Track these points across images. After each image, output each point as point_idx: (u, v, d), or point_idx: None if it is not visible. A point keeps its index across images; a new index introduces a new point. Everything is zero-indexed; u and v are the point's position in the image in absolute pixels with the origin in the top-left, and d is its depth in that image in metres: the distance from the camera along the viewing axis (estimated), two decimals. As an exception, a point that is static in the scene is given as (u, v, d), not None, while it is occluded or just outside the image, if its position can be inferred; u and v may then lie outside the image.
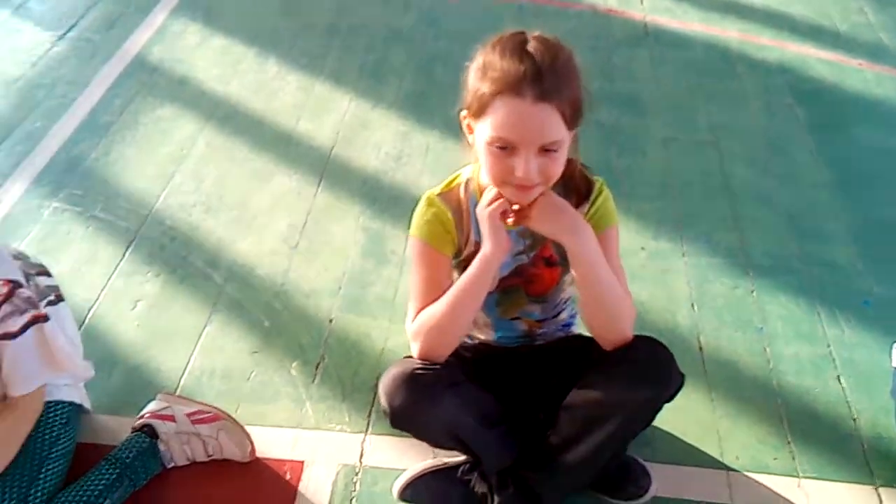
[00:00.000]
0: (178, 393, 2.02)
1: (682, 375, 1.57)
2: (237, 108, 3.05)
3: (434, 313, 1.58)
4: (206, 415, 1.86)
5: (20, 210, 2.57)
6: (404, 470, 1.81)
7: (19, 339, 1.59)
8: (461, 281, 1.57)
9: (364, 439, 1.92)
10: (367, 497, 1.80)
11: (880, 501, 1.79)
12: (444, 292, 1.59)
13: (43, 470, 1.69)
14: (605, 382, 1.55)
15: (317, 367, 2.10)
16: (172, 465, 1.83)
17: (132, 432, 1.85)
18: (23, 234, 2.48)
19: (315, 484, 1.83)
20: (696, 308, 2.23)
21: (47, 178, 2.70)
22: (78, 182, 2.68)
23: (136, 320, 2.21)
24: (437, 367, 1.57)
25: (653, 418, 1.61)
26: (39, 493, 1.66)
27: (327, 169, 2.76)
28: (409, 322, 1.65)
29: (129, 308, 2.25)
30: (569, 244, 1.55)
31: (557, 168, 1.48)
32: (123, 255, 2.41)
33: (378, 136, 2.93)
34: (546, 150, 1.44)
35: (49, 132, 2.91)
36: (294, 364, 2.11)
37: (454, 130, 2.91)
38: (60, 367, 1.69)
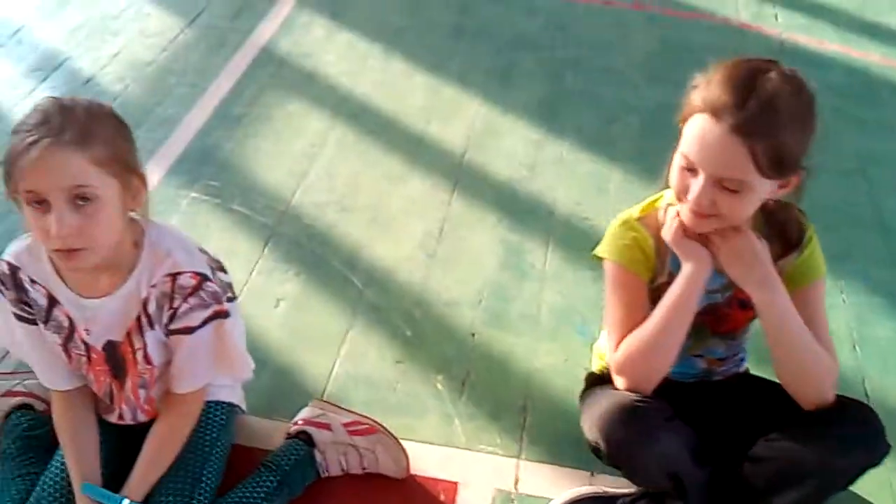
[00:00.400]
0: (324, 398, 2.00)
1: (889, 445, 1.48)
2: (366, 107, 3.02)
3: (641, 340, 1.51)
4: (363, 426, 1.82)
5: (159, 199, 2.56)
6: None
7: (196, 333, 1.56)
8: (666, 303, 1.50)
9: (517, 464, 1.88)
10: (526, 527, 1.76)
11: None
12: (644, 318, 1.52)
13: (205, 471, 1.67)
14: (809, 442, 1.47)
15: (463, 384, 2.06)
16: (326, 474, 1.80)
17: (287, 438, 1.83)
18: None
19: (470, 508, 1.79)
20: (858, 350, 2.14)
21: (184, 167, 2.70)
22: (214, 173, 2.68)
23: (279, 320, 2.19)
24: (652, 399, 1.50)
25: (850, 484, 1.53)
26: (202, 495, 1.64)
27: (460, 175, 2.72)
28: (609, 352, 1.59)
29: (272, 307, 2.23)
30: (755, 297, 1.48)
31: (736, 208, 1.41)
32: (262, 251, 2.40)
33: (509, 144, 2.87)
34: (724, 186, 1.37)
35: (183, 120, 2.91)
36: (439, 378, 2.07)
37: (587, 142, 2.92)
38: (229, 367, 1.66)
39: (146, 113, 2.93)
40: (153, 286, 1.53)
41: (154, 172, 2.67)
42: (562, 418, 1.97)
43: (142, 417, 1.71)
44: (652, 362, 1.52)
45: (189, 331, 1.56)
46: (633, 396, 1.52)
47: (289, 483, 1.73)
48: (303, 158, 2.76)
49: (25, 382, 1.88)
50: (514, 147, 2.86)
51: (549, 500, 1.79)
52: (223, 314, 1.57)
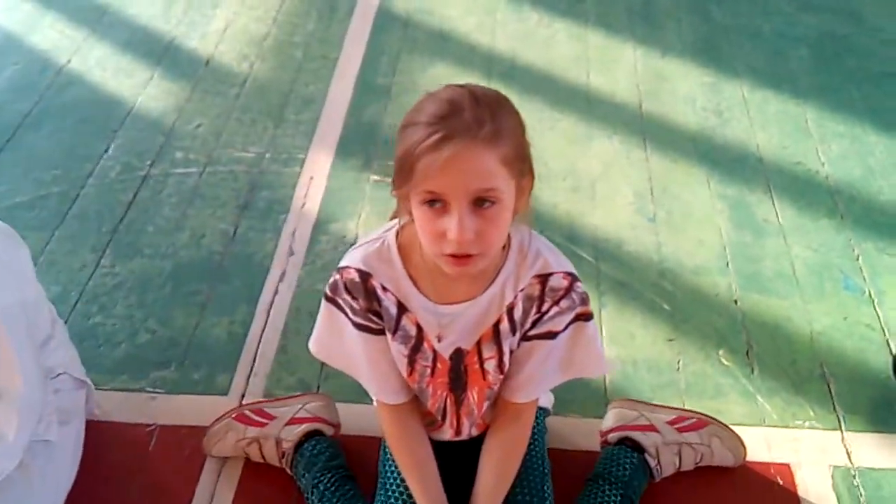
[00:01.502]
0: (606, 388, 1.85)
1: None
2: (514, 63, 2.81)
3: None
4: (691, 421, 1.68)
5: (338, 185, 2.36)
6: (901, 471, 1.65)
7: (558, 338, 1.39)
8: None
9: (843, 437, 1.75)
10: (878, 502, 1.63)
11: None
12: None
13: (545, 485, 1.53)
14: None
15: (748, 355, 1.91)
16: (661, 477, 1.66)
17: (605, 445, 1.68)
18: (353, 211, 2.28)
19: (815, 489, 1.66)
20: None
21: (350, 149, 2.49)
22: (385, 152, 2.46)
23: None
24: None
25: None
26: (549, 490, 1.51)
27: (646, 128, 2.53)
28: None
29: (513, 293, 2.05)
30: None
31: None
32: (474, 233, 2.21)
33: (685, 89, 2.69)
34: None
35: (328, 96, 2.69)
36: (721, 352, 1.92)
37: (765, 79, 2.74)
38: (578, 371, 1.48)
39: (285, 93, 2.70)
40: (521, 290, 1.35)
41: (321, 157, 2.46)
42: (869, 383, 1.85)
43: (474, 432, 1.55)
44: None
45: (552, 336, 1.39)
46: None
47: (630, 495, 1.59)
48: (474, 126, 2.55)
49: (307, 406, 1.71)
50: (691, 91, 2.67)
51: (891, 470, 1.67)
52: (586, 316, 1.40)
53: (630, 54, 2.84)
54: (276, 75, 2.78)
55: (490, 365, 1.42)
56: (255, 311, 2.02)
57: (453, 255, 1.20)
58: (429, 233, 1.21)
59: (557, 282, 1.35)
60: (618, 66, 2.78)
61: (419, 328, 1.38)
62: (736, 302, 2.03)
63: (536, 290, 1.36)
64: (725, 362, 1.90)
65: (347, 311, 1.38)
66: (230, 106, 2.65)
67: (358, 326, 1.39)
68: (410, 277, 1.35)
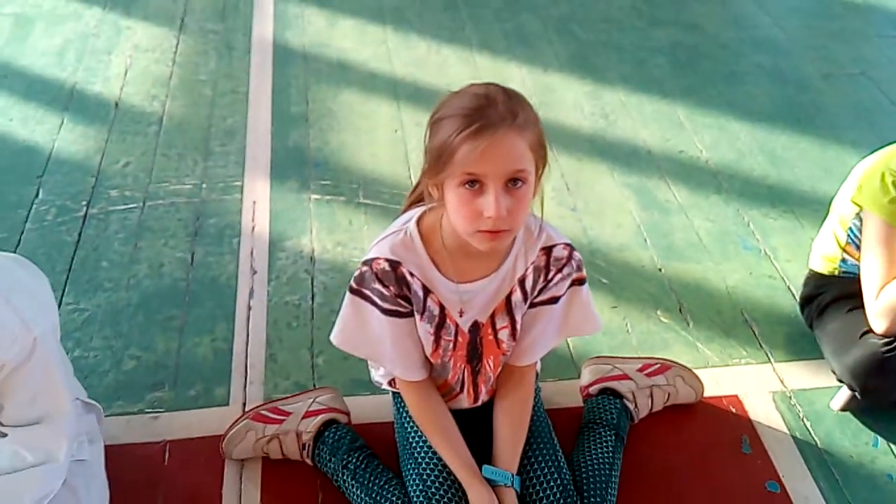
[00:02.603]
0: (572, 353, 2.08)
1: None
2: (418, 86, 3.03)
3: None
4: (655, 366, 1.94)
5: (282, 207, 2.48)
6: (825, 388, 1.99)
7: (559, 302, 1.61)
8: None
9: (773, 367, 2.07)
10: (815, 416, 1.96)
11: None
12: None
13: (553, 435, 1.73)
14: None
15: (680, 312, 2.21)
16: (639, 418, 1.90)
17: (588, 398, 1.91)
18: (304, 227, 2.41)
19: (763, 412, 1.96)
20: None
21: (284, 173, 2.61)
22: (319, 172, 2.61)
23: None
24: None
25: None
26: (562, 457, 1.70)
27: (547, 133, 2.80)
28: (870, 300, 1.82)
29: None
30: None
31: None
32: (420, 237, 2.40)
33: (570, 98, 3.01)
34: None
35: (247, 127, 2.80)
36: (658, 312, 2.21)
37: (636, 84, 3.11)
38: (575, 330, 1.70)
39: (205, 127, 2.79)
40: (532, 263, 1.56)
41: (258, 183, 2.57)
42: (783, 322, 2.18)
43: (485, 398, 1.73)
44: None
45: (554, 300, 1.60)
46: (881, 346, 1.79)
47: (621, 435, 1.83)
48: (395, 143, 2.75)
49: (318, 399, 1.83)
50: (577, 100, 3.00)
51: (819, 389, 2.00)
52: (582, 281, 1.62)
53: (517, 72, 3.15)
54: (192, 111, 2.86)
55: (504, 334, 1.62)
56: (233, 328, 2.11)
57: (488, 231, 1.38)
58: (465, 213, 1.38)
59: (560, 252, 1.57)
60: (509, 82, 2.96)
61: (441, 307, 1.55)
62: (660, 270, 2.34)
63: (543, 262, 1.57)
64: (664, 320, 2.19)
65: (376, 299, 1.53)
66: (153, 143, 2.70)
67: (386, 312, 1.54)
68: (433, 262, 1.52)
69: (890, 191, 1.79)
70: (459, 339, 1.60)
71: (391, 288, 1.52)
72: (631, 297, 2.25)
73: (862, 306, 1.86)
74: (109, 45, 3.17)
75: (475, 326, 1.60)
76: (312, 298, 2.20)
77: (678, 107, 2.99)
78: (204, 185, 2.55)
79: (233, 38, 3.26)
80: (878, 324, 1.81)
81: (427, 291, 1.54)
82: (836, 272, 2.00)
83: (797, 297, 2.17)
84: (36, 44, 3.16)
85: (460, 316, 1.57)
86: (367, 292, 1.54)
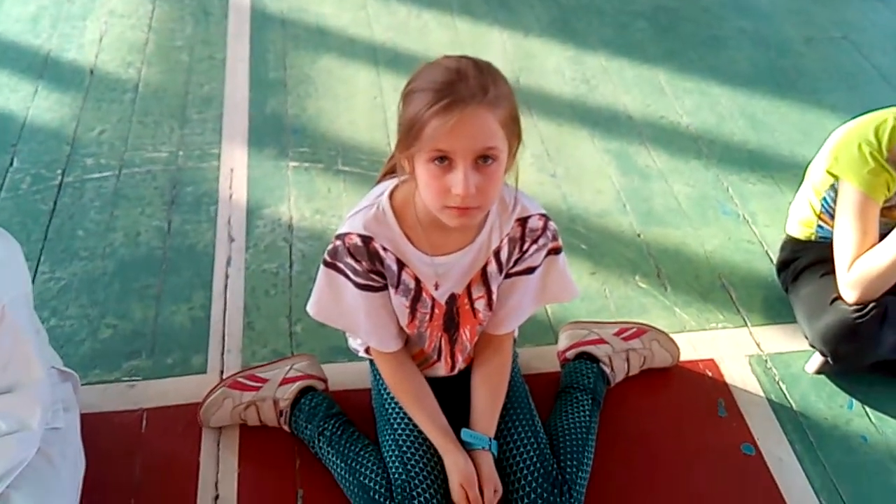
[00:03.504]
0: (550, 319, 2.09)
1: None
2: (397, 51, 3.00)
3: (877, 264, 1.76)
4: (632, 330, 1.95)
5: (261, 173, 2.46)
6: (800, 351, 2.00)
7: (536, 272, 1.61)
8: None
9: (749, 331, 2.08)
10: (790, 379, 1.97)
11: None
12: (874, 240, 1.78)
13: (529, 399, 1.74)
14: None
15: (658, 277, 2.21)
16: (616, 381, 1.91)
17: (565, 363, 1.92)
18: (282, 195, 2.39)
19: (739, 376, 1.97)
20: None
21: (262, 140, 2.59)
22: (298, 140, 2.59)
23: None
24: (872, 309, 1.77)
25: None
26: (538, 421, 1.71)
27: (527, 99, 2.79)
28: (842, 271, 1.82)
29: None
30: None
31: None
32: (399, 204, 2.39)
33: (552, 63, 2.99)
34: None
35: (224, 94, 2.77)
36: (636, 277, 2.21)
37: (618, 49, 3.09)
38: (553, 298, 1.70)
39: (181, 94, 2.76)
40: (506, 235, 1.55)
41: (236, 150, 2.55)
42: (760, 286, 2.19)
43: (462, 366, 1.73)
44: (883, 285, 1.78)
45: (531, 271, 1.60)
46: (851, 313, 1.80)
47: (597, 399, 1.83)
48: (374, 110, 2.73)
49: (296, 366, 1.83)
50: (559, 65, 2.98)
51: (793, 353, 2.02)
52: (558, 250, 1.62)
53: (497, 37, 3.11)
54: (168, 78, 2.82)
55: (480, 304, 1.61)
56: (211, 296, 2.10)
57: (456, 208, 1.36)
58: (434, 188, 1.36)
59: (534, 223, 1.56)
60: (490, 48, 3.04)
61: (417, 280, 1.55)
62: (639, 235, 2.33)
63: (518, 233, 1.56)
64: (642, 285, 2.19)
65: (349, 273, 1.52)
66: (128, 111, 2.67)
67: (359, 286, 1.53)
68: (406, 236, 1.51)
69: (868, 161, 1.79)
70: (436, 310, 1.60)
71: (363, 263, 1.51)
72: (610, 263, 2.25)
73: (835, 272, 1.86)
74: (84, 11, 3.12)
75: (451, 298, 1.59)
76: (290, 266, 2.19)
77: (659, 71, 2.97)
78: (180, 153, 2.52)
79: (209, 3, 3.21)
80: (850, 294, 1.82)
81: (401, 265, 1.53)
82: (813, 237, 2.00)
83: (774, 262, 2.18)
84: (9, 10, 3.11)
85: (436, 289, 1.57)
86: (341, 265, 1.53)
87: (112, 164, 2.47)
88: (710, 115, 2.78)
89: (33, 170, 2.43)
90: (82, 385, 1.85)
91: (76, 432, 1.68)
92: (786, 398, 1.93)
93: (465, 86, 1.31)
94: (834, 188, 1.89)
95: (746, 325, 2.10)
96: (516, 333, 1.86)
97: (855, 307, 1.80)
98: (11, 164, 2.45)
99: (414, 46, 3.03)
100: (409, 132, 1.35)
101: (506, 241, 1.56)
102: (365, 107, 2.74)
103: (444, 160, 1.34)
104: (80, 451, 1.66)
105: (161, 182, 2.42)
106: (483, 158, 1.34)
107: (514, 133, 1.39)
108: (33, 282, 2.09)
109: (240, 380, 1.81)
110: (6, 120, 2.61)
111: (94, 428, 1.77)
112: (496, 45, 3.05)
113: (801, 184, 2.07)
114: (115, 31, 3.03)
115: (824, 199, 1.93)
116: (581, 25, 3.20)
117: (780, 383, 1.96)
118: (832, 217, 1.90)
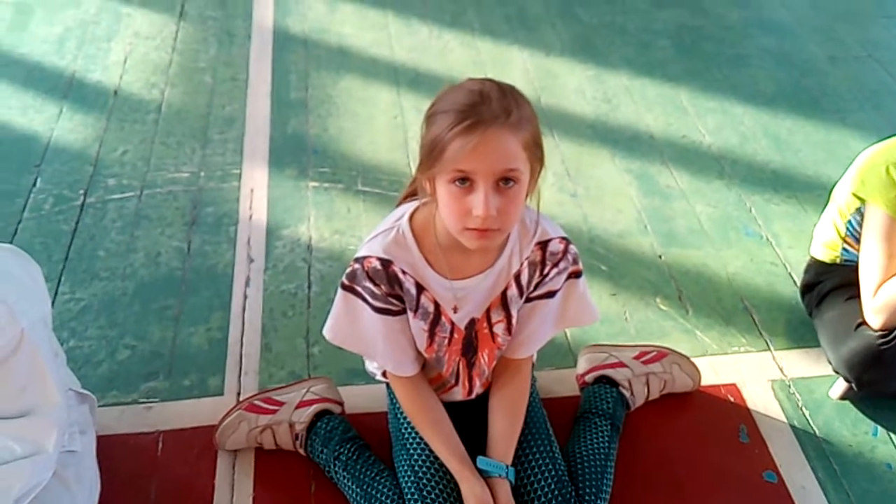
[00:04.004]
0: (570, 342, 2.06)
1: None
2: (418, 71, 3.01)
3: None
4: (652, 353, 1.92)
5: (280, 195, 2.47)
6: (824, 376, 1.96)
7: (556, 296, 1.59)
8: None
9: (773, 355, 2.05)
10: (814, 404, 1.94)
11: None
12: None
13: (548, 424, 1.72)
14: None
15: (680, 299, 2.19)
16: (635, 406, 1.89)
17: (584, 386, 1.89)
18: (302, 215, 2.39)
19: (761, 401, 1.94)
20: None
21: (282, 160, 2.60)
22: (318, 160, 2.60)
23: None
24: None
25: None
26: (558, 448, 1.68)
27: (548, 119, 2.78)
28: (868, 295, 1.79)
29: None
30: None
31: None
32: (418, 225, 2.38)
33: (573, 83, 2.97)
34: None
35: (246, 115, 2.78)
36: (658, 300, 2.18)
37: (640, 68, 3.07)
38: (571, 322, 1.68)
39: (204, 115, 2.77)
40: (526, 258, 1.54)
41: (256, 171, 2.56)
42: (783, 309, 2.16)
43: (480, 390, 1.71)
44: None
45: (551, 295, 1.59)
46: (877, 339, 1.77)
47: (616, 424, 1.81)
48: (395, 130, 2.73)
49: (312, 389, 1.82)
50: (580, 84, 2.96)
51: (818, 377, 1.98)
52: (578, 274, 1.60)
53: (518, 56, 3.11)
54: (191, 99, 2.84)
55: (499, 328, 1.60)
56: (229, 317, 2.10)
57: (476, 229, 1.36)
58: (455, 210, 1.36)
59: (555, 246, 1.55)
60: (511, 67, 3.04)
61: (436, 304, 1.54)
62: (660, 257, 2.31)
63: (538, 256, 1.55)
64: (663, 307, 2.17)
65: (367, 297, 1.51)
66: (151, 131, 2.69)
67: (377, 310, 1.53)
68: (426, 259, 1.50)
69: None
70: (455, 335, 1.58)
71: (382, 287, 1.50)
72: (630, 285, 2.23)
73: (859, 296, 1.83)
74: (109, 33, 3.16)
75: (471, 322, 1.58)
76: (309, 287, 2.19)
77: (682, 90, 2.95)
78: (202, 174, 2.54)
79: (233, 25, 3.23)
80: (875, 320, 1.78)
81: (420, 289, 1.52)
82: (838, 260, 1.97)
83: (798, 285, 2.14)
84: (36, 31, 3.15)
85: (455, 312, 1.55)
86: (359, 289, 1.52)
87: (134, 184, 2.49)
88: (733, 135, 2.75)
89: (56, 190, 2.46)
90: (99, 406, 1.85)
91: (92, 455, 1.68)
92: (809, 424, 1.89)
93: (487, 108, 1.31)
94: (860, 211, 1.86)
95: (769, 348, 2.06)
96: (535, 357, 1.85)
97: (880, 333, 1.76)
98: (35, 184, 2.48)
99: (435, 66, 3.03)
100: (431, 153, 1.34)
101: (526, 264, 1.54)
102: (385, 127, 2.75)
103: (465, 181, 1.33)
104: (95, 475, 1.66)
105: (182, 203, 2.43)
106: (504, 181, 1.33)
107: (536, 157, 1.38)
108: (53, 302, 2.11)
109: (256, 402, 1.80)
110: (31, 140, 2.64)
111: (110, 450, 1.77)
112: (517, 65, 3.04)
113: (825, 205, 2.03)
114: (140, 52, 3.06)
115: (849, 222, 1.90)
116: (603, 44, 3.19)
117: (804, 409, 1.92)
118: (857, 241, 1.87)
